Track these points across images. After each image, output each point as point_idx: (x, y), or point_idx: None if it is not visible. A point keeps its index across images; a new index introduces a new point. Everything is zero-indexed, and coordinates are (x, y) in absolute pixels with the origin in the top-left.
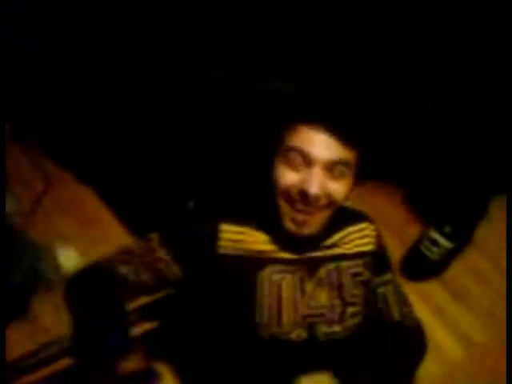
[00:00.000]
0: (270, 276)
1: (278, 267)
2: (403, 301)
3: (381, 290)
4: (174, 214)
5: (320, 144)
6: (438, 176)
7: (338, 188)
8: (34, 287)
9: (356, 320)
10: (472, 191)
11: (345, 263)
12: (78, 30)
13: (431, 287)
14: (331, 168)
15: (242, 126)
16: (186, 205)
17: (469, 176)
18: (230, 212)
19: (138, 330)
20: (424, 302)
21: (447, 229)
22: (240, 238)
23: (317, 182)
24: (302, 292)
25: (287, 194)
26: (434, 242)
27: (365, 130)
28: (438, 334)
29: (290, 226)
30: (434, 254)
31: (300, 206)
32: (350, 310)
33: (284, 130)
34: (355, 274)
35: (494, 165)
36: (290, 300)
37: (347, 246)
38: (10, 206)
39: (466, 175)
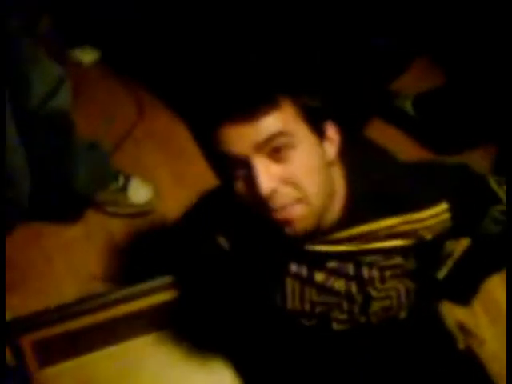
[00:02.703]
0: (286, 273)
1: (283, 259)
2: None
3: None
4: None
5: (233, 136)
6: None
7: (296, 167)
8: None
9: (389, 313)
10: None
11: (369, 257)
12: None
13: None
14: (268, 150)
15: None
16: None
17: None
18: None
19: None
20: None
21: None
22: (238, 242)
23: (261, 178)
24: (311, 281)
25: (250, 204)
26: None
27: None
28: None
29: (275, 227)
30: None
31: (272, 206)
32: (377, 304)
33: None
34: (385, 268)
35: None
36: (294, 289)
37: (376, 243)
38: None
39: None
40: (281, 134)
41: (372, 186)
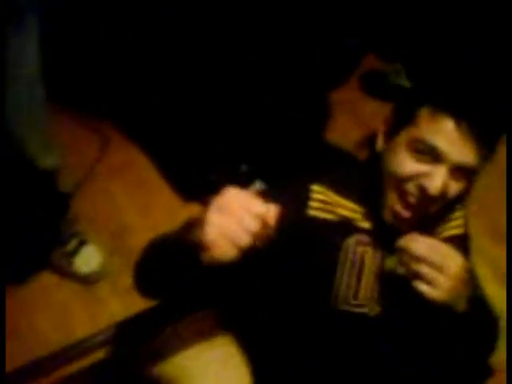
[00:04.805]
0: (354, 246)
1: (362, 237)
2: None
3: None
4: (226, 177)
5: (456, 142)
6: None
7: (457, 189)
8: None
9: None
10: None
11: None
12: None
13: None
14: (458, 170)
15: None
16: (239, 168)
17: None
18: (321, 174)
19: None
20: None
21: None
22: (329, 200)
23: (439, 182)
24: (383, 267)
25: (400, 184)
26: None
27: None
28: None
29: (387, 216)
30: None
31: (411, 200)
32: None
33: (415, 115)
34: None
35: None
36: (370, 274)
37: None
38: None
39: None
40: (474, 170)
41: None
